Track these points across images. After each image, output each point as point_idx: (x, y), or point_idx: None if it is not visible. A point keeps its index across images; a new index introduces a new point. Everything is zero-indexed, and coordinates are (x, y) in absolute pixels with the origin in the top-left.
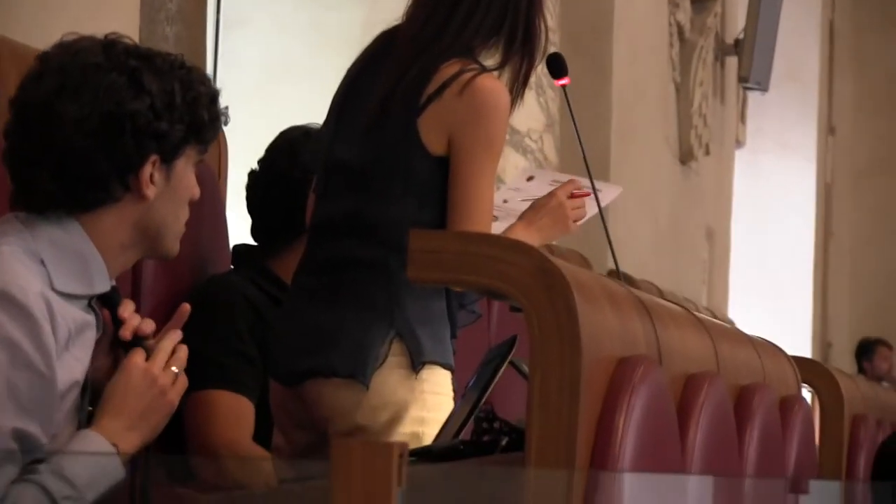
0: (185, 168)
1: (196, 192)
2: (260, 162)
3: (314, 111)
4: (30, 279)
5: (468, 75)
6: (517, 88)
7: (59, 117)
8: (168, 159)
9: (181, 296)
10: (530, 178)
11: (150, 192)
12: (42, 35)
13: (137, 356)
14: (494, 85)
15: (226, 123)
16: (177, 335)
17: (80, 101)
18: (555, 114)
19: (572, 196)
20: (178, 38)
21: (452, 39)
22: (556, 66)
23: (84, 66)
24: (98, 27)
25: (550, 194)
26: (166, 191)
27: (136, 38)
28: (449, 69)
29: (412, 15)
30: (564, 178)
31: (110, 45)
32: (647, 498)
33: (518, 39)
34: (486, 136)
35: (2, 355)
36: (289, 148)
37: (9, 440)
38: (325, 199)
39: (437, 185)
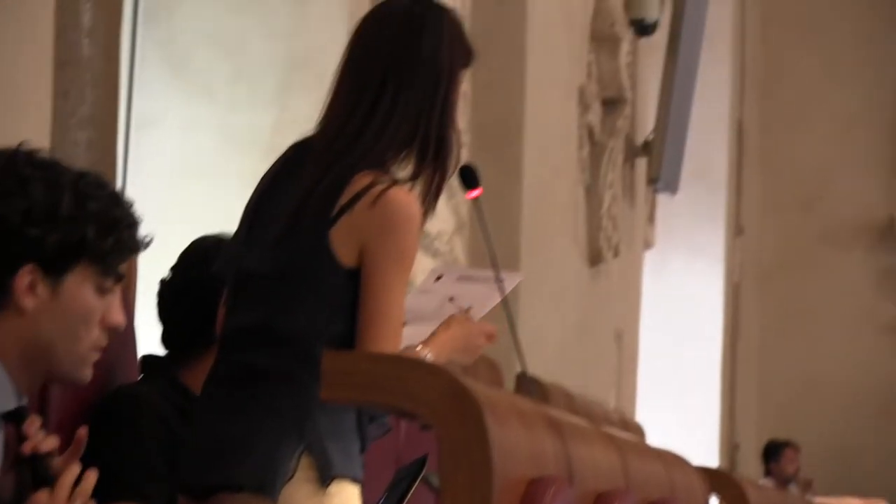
0: (79, 287)
1: (114, 318)
2: (172, 270)
3: (224, 212)
4: None
5: (380, 187)
6: (429, 200)
7: None
8: (52, 272)
9: (89, 407)
10: (439, 278)
11: (29, 303)
12: None
13: (41, 496)
14: (406, 197)
15: (142, 249)
16: (76, 468)
17: None
18: (465, 216)
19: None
20: (90, 143)
21: (365, 151)
22: (468, 178)
23: None
24: (10, 133)
25: (465, 328)
26: (53, 307)
27: (48, 145)
28: (361, 181)
29: (325, 126)
30: (471, 272)
31: (15, 153)
32: None
33: (430, 152)
34: (396, 248)
35: None
36: (201, 257)
37: None
38: (234, 310)
39: (348, 296)
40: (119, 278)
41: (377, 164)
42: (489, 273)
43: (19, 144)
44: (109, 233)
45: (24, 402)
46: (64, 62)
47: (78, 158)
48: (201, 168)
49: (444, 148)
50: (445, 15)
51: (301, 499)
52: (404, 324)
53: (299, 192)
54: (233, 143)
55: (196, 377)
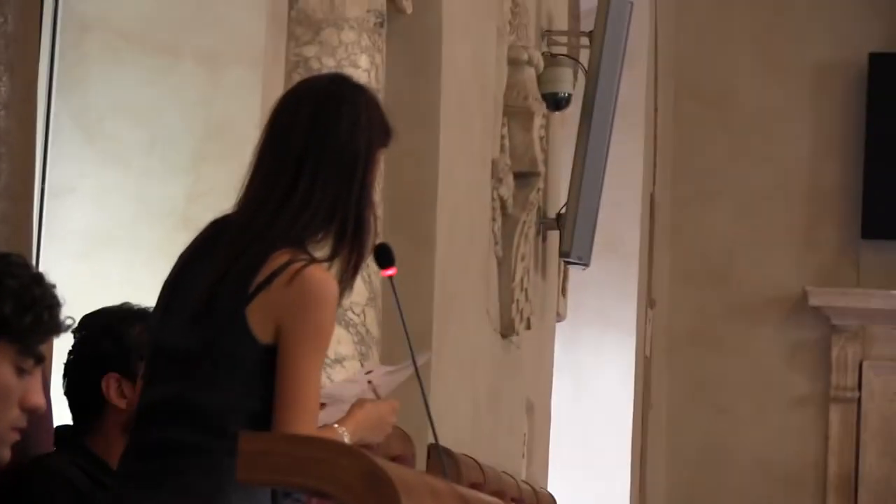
0: None
1: (34, 400)
2: (75, 344)
3: (136, 280)
4: None
5: (298, 265)
6: (347, 279)
7: None
8: None
9: (2, 478)
10: (369, 372)
11: None
12: None
13: None
14: (323, 276)
15: (63, 331)
16: None
17: None
18: (378, 287)
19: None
20: (5, 215)
21: (283, 231)
22: (384, 257)
23: None
24: None
25: (379, 408)
26: None
27: None
28: (279, 258)
29: (243, 205)
30: (397, 366)
31: None
32: None
33: (348, 233)
34: (313, 326)
35: None
36: (102, 329)
37: None
38: (151, 384)
39: (264, 372)
40: (39, 360)
41: (295, 243)
42: (408, 361)
43: None
44: (28, 311)
45: None
46: None
47: None
48: (114, 235)
49: (361, 228)
50: (363, 94)
51: None
52: (323, 405)
53: (217, 269)
54: (147, 213)
55: (104, 443)
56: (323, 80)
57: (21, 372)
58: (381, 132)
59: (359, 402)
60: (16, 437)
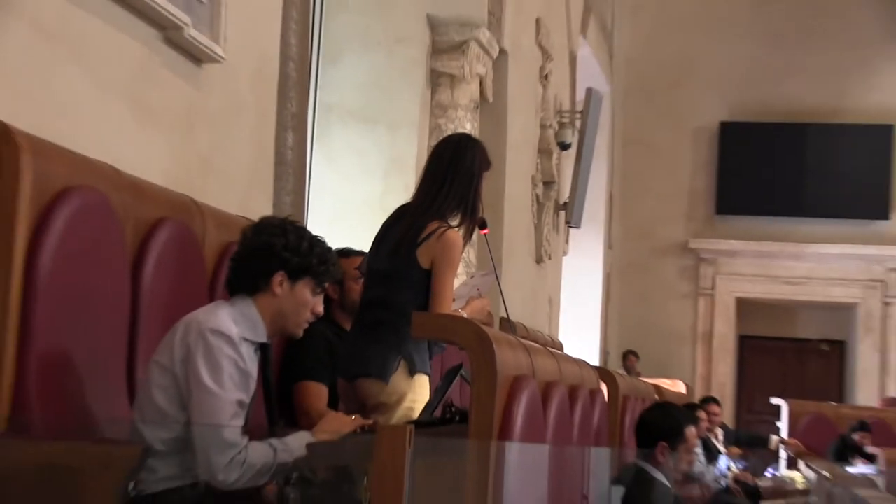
0: (303, 289)
1: (318, 309)
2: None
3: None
4: (233, 328)
5: (442, 229)
6: (467, 237)
7: (243, 244)
8: (291, 278)
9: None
10: (472, 276)
11: (278, 291)
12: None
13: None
14: (455, 235)
15: (335, 280)
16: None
17: (254, 238)
18: (475, 241)
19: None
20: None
21: (435, 211)
22: (483, 224)
23: (269, 226)
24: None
25: (483, 302)
26: (289, 296)
27: (272, 145)
28: (433, 226)
29: (415, 198)
30: (484, 272)
31: (284, 218)
32: (525, 459)
33: (469, 213)
34: (449, 260)
35: (227, 363)
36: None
37: (235, 405)
38: (368, 289)
39: (424, 283)
40: (323, 290)
41: (441, 217)
42: (489, 271)
43: (287, 216)
44: (324, 264)
45: (270, 342)
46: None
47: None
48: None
49: (476, 210)
50: (478, 144)
51: (399, 382)
52: (454, 300)
53: (401, 231)
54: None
55: (339, 317)
56: (458, 135)
57: (315, 294)
58: (486, 163)
59: (471, 299)
60: (307, 326)
